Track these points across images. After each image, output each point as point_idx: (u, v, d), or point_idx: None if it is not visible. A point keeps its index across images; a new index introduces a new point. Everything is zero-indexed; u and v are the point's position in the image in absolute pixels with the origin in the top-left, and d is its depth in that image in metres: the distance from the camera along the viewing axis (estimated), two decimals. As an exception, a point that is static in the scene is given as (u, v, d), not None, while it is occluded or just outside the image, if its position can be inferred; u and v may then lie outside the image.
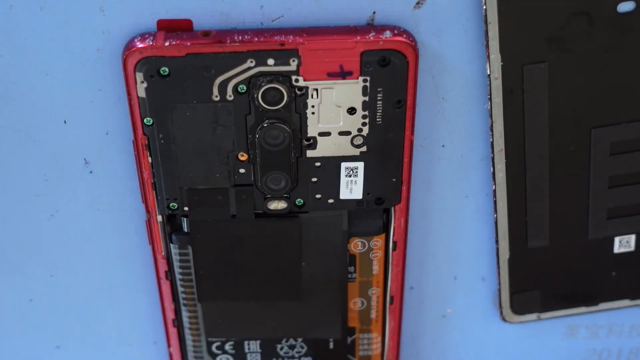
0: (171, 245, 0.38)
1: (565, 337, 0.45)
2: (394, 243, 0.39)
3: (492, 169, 0.37)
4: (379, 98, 0.34)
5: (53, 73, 0.34)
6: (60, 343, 0.44)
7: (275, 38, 0.32)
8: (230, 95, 0.33)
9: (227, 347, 0.42)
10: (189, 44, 0.32)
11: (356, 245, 0.39)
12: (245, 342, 0.42)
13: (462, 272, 0.42)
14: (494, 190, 0.38)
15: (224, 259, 0.38)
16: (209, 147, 0.35)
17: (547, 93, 0.35)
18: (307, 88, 0.33)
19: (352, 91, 0.34)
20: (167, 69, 0.33)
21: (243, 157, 0.35)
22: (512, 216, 0.38)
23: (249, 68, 0.33)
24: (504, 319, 0.42)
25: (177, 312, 0.41)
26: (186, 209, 0.37)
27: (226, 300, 0.40)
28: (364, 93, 0.34)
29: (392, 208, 0.37)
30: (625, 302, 0.42)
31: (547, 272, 0.41)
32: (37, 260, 0.41)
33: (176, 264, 0.39)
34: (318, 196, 0.37)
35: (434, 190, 0.39)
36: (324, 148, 0.35)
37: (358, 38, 0.32)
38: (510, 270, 0.40)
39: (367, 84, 0.33)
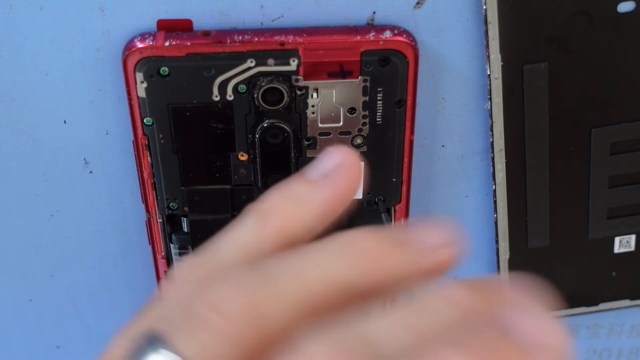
0: (171, 245, 0.38)
1: (565, 337, 0.45)
2: (394, 243, 0.39)
3: (492, 169, 0.37)
4: (379, 98, 0.34)
5: (53, 73, 0.34)
6: (60, 343, 0.44)
7: (275, 38, 0.32)
8: (230, 95, 0.33)
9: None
10: (189, 44, 0.32)
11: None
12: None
13: (462, 272, 0.42)
14: (494, 190, 0.38)
15: (224, 259, 0.38)
16: (209, 147, 0.35)
17: (547, 93, 0.35)
18: (307, 88, 0.33)
19: (352, 91, 0.34)
20: (167, 69, 0.33)
21: (243, 157, 0.35)
22: (512, 216, 0.38)
23: (249, 68, 0.33)
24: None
25: (177, 312, 0.41)
26: (186, 209, 0.37)
27: (226, 300, 0.40)
28: (364, 93, 0.34)
29: (392, 208, 0.37)
30: (625, 302, 0.42)
31: (547, 272, 0.41)
32: (37, 260, 0.41)
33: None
34: (318, 196, 0.36)
35: (434, 190, 0.39)
36: (324, 148, 0.35)
37: (358, 38, 0.32)
38: (510, 270, 0.40)
39: (367, 84, 0.33)
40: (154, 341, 0.19)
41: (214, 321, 0.19)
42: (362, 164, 0.24)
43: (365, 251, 0.21)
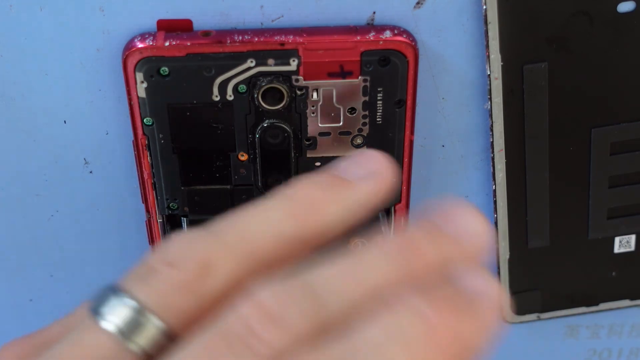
0: (171, 245, 0.38)
1: (565, 337, 0.45)
2: (394, 243, 0.39)
3: (492, 169, 0.37)
4: (379, 98, 0.34)
5: (53, 73, 0.34)
6: (60, 343, 0.44)
7: (275, 38, 0.32)
8: (230, 95, 0.33)
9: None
10: (189, 44, 0.32)
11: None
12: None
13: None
14: (494, 190, 0.38)
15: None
16: (209, 147, 0.35)
17: (547, 93, 0.35)
18: (307, 88, 0.33)
19: (352, 91, 0.34)
20: (167, 69, 0.33)
21: (243, 157, 0.35)
22: (512, 216, 0.38)
23: (249, 68, 0.33)
24: (504, 319, 0.42)
25: (177, 312, 0.41)
26: (186, 209, 0.37)
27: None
28: (364, 93, 0.34)
29: (392, 208, 0.37)
30: (625, 302, 0.42)
31: (547, 272, 0.41)
32: (37, 260, 0.41)
33: (176, 264, 0.39)
34: (318, 196, 0.37)
35: (434, 190, 0.39)
36: (324, 148, 0.35)
37: (358, 38, 0.32)
38: (510, 270, 0.40)
39: (367, 84, 0.33)
40: (113, 289, 0.23)
41: (165, 271, 0.22)
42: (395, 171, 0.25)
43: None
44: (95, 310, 0.22)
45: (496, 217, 0.38)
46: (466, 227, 0.24)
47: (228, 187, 0.36)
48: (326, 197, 0.24)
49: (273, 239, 0.23)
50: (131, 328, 0.22)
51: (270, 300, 0.21)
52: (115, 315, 0.22)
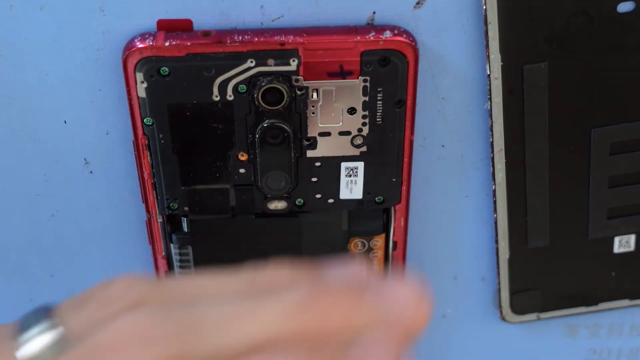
0: (171, 245, 0.38)
1: (565, 337, 0.45)
2: (394, 243, 0.39)
3: (492, 169, 0.37)
4: (379, 98, 0.34)
5: (53, 73, 0.34)
6: (60, 343, 0.44)
7: (275, 38, 0.32)
8: (230, 95, 0.33)
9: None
10: (189, 44, 0.32)
11: (356, 245, 0.39)
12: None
13: (462, 272, 0.42)
14: (494, 190, 0.38)
15: (224, 259, 0.38)
16: (209, 147, 0.35)
17: (547, 93, 0.35)
18: (307, 88, 0.33)
19: (352, 91, 0.34)
20: (167, 69, 0.33)
21: (243, 157, 0.35)
22: (512, 216, 0.38)
23: (249, 68, 0.33)
24: (504, 319, 0.42)
25: (177, 312, 0.41)
26: (186, 209, 0.37)
27: (226, 300, 0.40)
28: (364, 93, 0.34)
29: (392, 208, 0.37)
30: (625, 302, 0.42)
31: (547, 272, 0.41)
32: (37, 260, 0.41)
33: (176, 264, 0.39)
34: (318, 196, 0.37)
35: (433, 190, 0.39)
36: (324, 148, 0.35)
37: (358, 38, 0.32)
38: (510, 270, 0.40)
39: (367, 84, 0.33)
40: (46, 312, 0.25)
41: (98, 306, 0.24)
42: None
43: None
44: (21, 331, 0.25)
45: (496, 217, 0.38)
46: (396, 303, 0.23)
47: (228, 187, 0.36)
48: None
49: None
50: (50, 351, 0.23)
51: (148, 320, 0.23)
52: (37, 341, 0.24)
